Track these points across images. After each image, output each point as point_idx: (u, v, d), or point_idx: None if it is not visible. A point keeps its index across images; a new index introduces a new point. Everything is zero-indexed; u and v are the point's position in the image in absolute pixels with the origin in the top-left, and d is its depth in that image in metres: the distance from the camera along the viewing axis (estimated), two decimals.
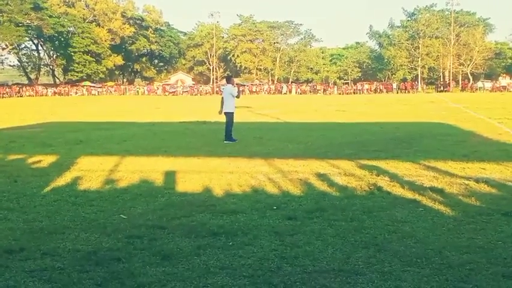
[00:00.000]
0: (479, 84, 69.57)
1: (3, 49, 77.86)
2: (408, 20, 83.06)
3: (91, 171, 8.90)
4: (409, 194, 6.84)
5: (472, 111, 23.86)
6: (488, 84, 67.08)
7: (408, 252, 4.59)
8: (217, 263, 4.41)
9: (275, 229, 5.36)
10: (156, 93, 74.80)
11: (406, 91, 68.02)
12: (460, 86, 72.09)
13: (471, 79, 75.15)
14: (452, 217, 5.74)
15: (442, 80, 79.14)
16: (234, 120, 13.58)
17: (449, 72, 75.55)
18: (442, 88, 70.29)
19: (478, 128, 15.76)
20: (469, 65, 75.85)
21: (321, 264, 4.35)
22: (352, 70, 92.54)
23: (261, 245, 4.86)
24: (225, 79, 14.64)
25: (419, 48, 78.76)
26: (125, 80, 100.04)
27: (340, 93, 69.39)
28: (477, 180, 7.60)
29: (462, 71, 77.54)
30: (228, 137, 13.25)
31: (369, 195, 6.89)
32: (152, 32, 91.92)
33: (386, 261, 4.38)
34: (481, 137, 13.66)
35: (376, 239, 5.01)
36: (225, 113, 13.38)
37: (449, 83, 71.19)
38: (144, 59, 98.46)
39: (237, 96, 13.60)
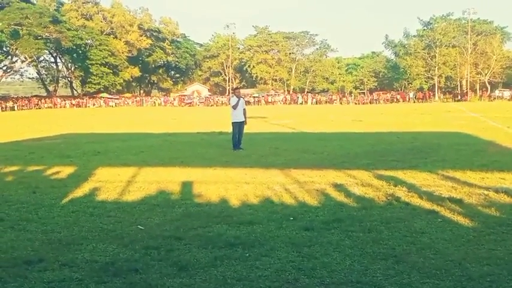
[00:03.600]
0: (497, 93, 68.87)
1: (22, 62, 79.13)
2: (424, 29, 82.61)
3: (108, 182, 8.97)
4: (427, 205, 6.77)
5: (491, 121, 23.59)
6: (506, 93, 66.38)
7: (427, 264, 4.54)
8: (234, 274, 4.40)
9: (292, 240, 5.33)
10: (172, 104, 75.37)
11: (423, 100, 67.59)
12: (478, 95, 71.39)
13: (489, 88, 74.40)
14: (471, 228, 5.66)
15: (459, 89, 78.49)
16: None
17: (466, 81, 74.85)
18: (459, 97, 69.74)
19: (496, 137, 15.55)
20: (486, 74, 75.17)
21: (339, 276, 4.31)
22: (368, 80, 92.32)
23: (278, 256, 4.84)
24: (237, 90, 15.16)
25: (435, 57, 78.31)
26: (141, 91, 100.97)
27: (356, 103, 69.18)
28: (497, 191, 7.50)
29: (480, 79, 76.84)
30: (234, 145, 13.91)
31: (387, 205, 6.83)
32: (169, 43, 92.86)
33: (405, 273, 4.33)
34: (500, 146, 13.48)
35: (394, 250, 4.96)
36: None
37: (466, 92, 70.60)
38: (160, 71, 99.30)
39: (233, 107, 14.12)
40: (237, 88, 15.60)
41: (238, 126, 13.94)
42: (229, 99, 14.49)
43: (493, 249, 4.93)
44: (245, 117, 14.09)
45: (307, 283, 4.17)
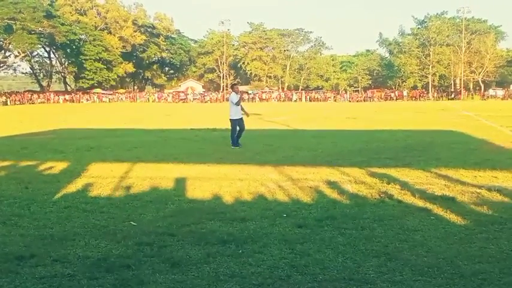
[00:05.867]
0: (491, 91, 69.21)
1: (16, 56, 78.69)
2: (419, 28, 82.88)
3: (102, 178, 8.94)
4: (420, 203, 6.78)
5: (484, 119, 23.70)
6: (500, 92, 66.69)
7: (419, 262, 4.55)
8: (227, 271, 4.39)
9: (285, 237, 5.33)
10: (166, 100, 75.15)
11: (417, 99, 67.81)
12: (472, 93, 71.69)
13: (482, 87, 74.72)
14: (464, 226, 5.68)
15: (453, 87, 78.78)
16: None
17: (460, 80, 75.18)
18: (453, 96, 69.98)
19: (489, 136, 15.62)
20: (480, 73, 75.51)
21: (331, 273, 4.32)
22: (363, 78, 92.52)
23: (271, 253, 4.84)
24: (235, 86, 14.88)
25: (430, 55, 78.62)
26: (135, 87, 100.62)
27: (350, 101, 69.29)
28: (489, 189, 7.53)
29: (473, 78, 77.22)
30: (234, 142, 13.70)
31: (380, 203, 6.84)
32: (163, 39, 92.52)
33: (397, 271, 4.34)
34: (492, 145, 13.54)
35: (387, 247, 4.97)
36: (229, 120, 13.83)
37: (460, 91, 70.86)
38: (154, 67, 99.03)
39: (236, 103, 13.77)
40: (235, 84, 15.40)
41: (238, 122, 13.79)
42: (230, 96, 14.17)
43: (484, 247, 4.95)
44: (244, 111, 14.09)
45: (300, 280, 4.18)
